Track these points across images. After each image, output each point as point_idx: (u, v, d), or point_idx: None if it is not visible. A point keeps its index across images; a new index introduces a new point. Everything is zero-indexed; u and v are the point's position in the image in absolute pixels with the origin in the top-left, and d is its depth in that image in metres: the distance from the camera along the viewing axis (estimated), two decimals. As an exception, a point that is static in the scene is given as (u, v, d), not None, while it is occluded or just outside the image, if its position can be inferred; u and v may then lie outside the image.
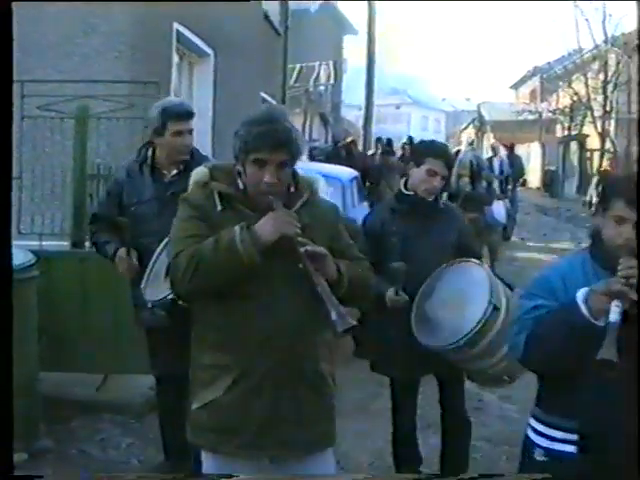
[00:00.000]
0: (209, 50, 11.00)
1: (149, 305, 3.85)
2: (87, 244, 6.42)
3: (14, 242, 5.65)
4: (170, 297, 3.37)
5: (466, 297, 3.85)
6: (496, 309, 3.63)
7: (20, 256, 4.65)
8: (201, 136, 10.92)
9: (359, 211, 10.50)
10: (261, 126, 2.59)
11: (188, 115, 4.14)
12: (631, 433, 2.43)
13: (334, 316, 2.50)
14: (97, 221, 4.34)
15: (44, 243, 5.83)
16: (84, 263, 5.50)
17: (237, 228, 2.54)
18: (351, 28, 29.11)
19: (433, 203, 4.09)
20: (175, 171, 4.09)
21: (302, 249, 2.55)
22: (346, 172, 10.60)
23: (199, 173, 2.77)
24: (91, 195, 6.44)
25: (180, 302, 2.89)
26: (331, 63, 23.05)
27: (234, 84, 11.90)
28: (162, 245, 3.72)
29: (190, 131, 4.09)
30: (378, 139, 16.04)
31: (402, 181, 4.20)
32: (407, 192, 4.09)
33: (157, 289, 3.75)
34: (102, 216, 4.30)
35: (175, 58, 9.60)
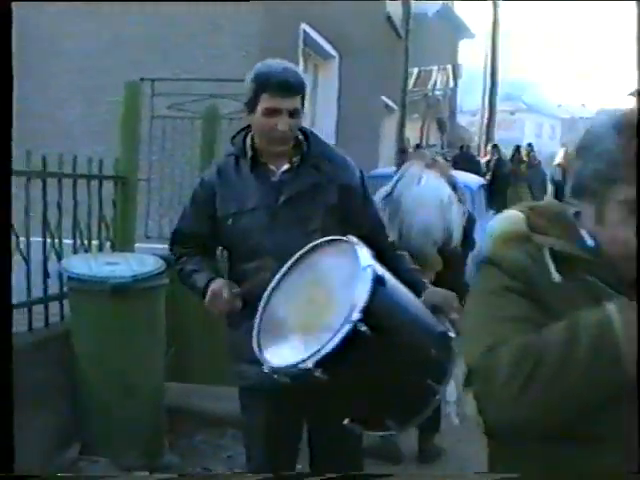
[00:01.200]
0: (334, 52, 10.73)
1: (268, 369, 2.31)
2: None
3: (140, 245, 5.54)
4: (308, 365, 2.15)
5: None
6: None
7: (150, 262, 4.42)
8: (324, 138, 10.70)
9: (486, 220, 10.11)
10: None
11: (289, 88, 2.74)
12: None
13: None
14: (180, 241, 3.08)
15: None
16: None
17: (611, 307, 1.46)
18: (468, 32, 28.54)
19: None
20: (286, 166, 2.85)
21: None
22: (474, 179, 10.23)
23: (511, 218, 1.72)
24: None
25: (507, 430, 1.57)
26: (449, 67, 22.71)
27: (357, 88, 11.63)
28: (278, 277, 2.52)
29: (292, 112, 2.75)
30: (494, 146, 15.55)
31: None
32: None
33: (280, 346, 2.38)
34: (186, 233, 3.04)
35: (301, 60, 9.36)
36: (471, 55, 30.38)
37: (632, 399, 1.45)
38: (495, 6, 19.09)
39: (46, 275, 4.51)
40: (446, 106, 23.83)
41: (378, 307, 2.16)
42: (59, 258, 4.55)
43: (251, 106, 2.77)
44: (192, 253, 3.01)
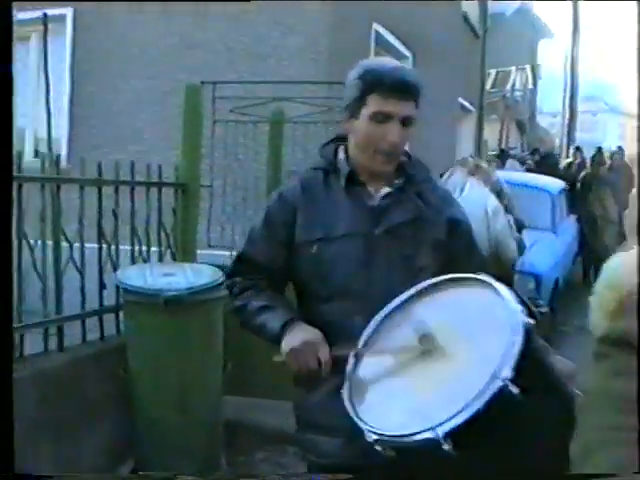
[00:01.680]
0: (408, 53, 10.44)
1: (371, 438, 1.80)
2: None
3: (202, 252, 5.37)
4: (438, 434, 1.68)
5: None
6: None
7: (208, 273, 4.23)
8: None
9: (567, 225, 9.72)
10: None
11: (406, 88, 2.20)
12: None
13: None
14: (245, 271, 2.40)
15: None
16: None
17: None
18: (547, 31, 27.83)
19: None
20: (387, 189, 2.32)
21: None
22: (555, 183, 9.86)
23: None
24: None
25: None
26: (528, 68, 22.19)
27: (433, 89, 11.25)
28: (375, 323, 2.09)
29: (405, 120, 2.22)
30: (577, 148, 15.02)
31: None
32: None
33: (380, 411, 1.88)
34: (256, 261, 2.38)
35: (373, 60, 9.09)
36: (551, 55, 29.70)
37: None
38: (575, 5, 18.48)
39: (102, 286, 4.37)
40: (525, 107, 23.27)
41: (527, 363, 1.71)
42: (115, 268, 4.41)
43: (353, 110, 2.25)
44: (260, 286, 2.36)
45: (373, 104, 2.20)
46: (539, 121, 29.89)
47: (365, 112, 2.22)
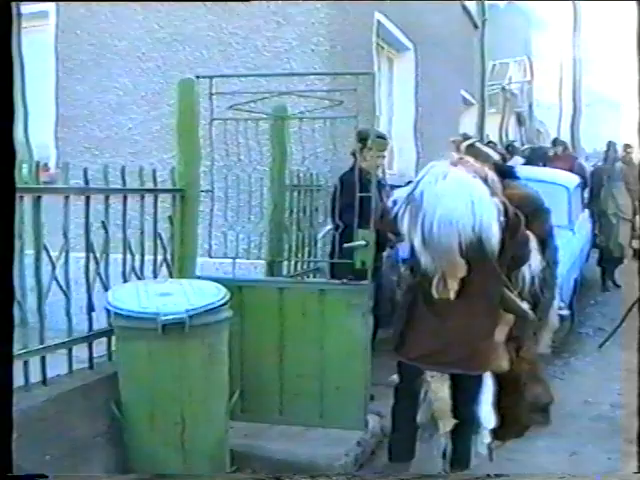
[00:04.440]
0: (409, 44, 9.95)
1: None
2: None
3: (203, 259, 4.88)
4: None
5: None
6: None
7: (210, 291, 3.74)
8: (404, 135, 10.03)
9: (582, 222, 9.26)
10: None
11: None
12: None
13: None
14: None
15: (227, 261, 4.93)
16: (283, 294, 4.54)
17: None
18: (541, 23, 27.49)
19: None
20: None
21: None
22: (571, 178, 9.38)
23: None
24: (291, 210, 5.56)
25: None
26: (525, 59, 21.89)
27: (435, 81, 10.83)
28: None
29: None
30: (555, 140, 14.41)
31: None
32: None
33: None
34: None
35: (374, 53, 8.59)
36: (545, 47, 29.43)
37: None
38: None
39: (90, 308, 3.86)
40: (524, 100, 22.90)
41: None
42: (105, 288, 3.90)
43: None
44: None
45: None
46: (536, 114, 29.58)
47: None
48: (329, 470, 4.41)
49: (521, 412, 4.61)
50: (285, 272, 5.56)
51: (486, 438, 4.27)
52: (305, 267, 5.90)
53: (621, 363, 7.31)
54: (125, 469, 3.77)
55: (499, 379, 4.26)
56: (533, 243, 4.30)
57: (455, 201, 3.74)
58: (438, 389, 4.07)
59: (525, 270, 4.37)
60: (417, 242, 3.80)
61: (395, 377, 4.33)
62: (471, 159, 4.04)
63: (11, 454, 2.19)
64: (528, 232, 4.16)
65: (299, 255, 5.69)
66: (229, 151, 4.72)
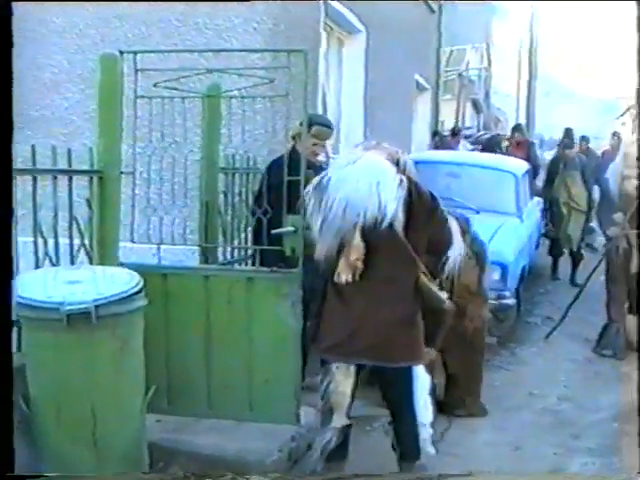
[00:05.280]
0: (361, 26, 9.75)
1: None
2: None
3: (125, 245, 4.64)
4: None
5: None
6: None
7: (122, 279, 3.51)
8: (352, 119, 9.83)
9: (531, 209, 9.16)
10: None
11: None
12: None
13: None
14: None
15: (164, 247, 4.69)
16: (209, 282, 4.32)
17: None
18: (501, 11, 27.54)
19: None
20: None
21: None
22: (519, 165, 9.27)
23: None
24: (225, 193, 5.34)
25: None
26: (483, 46, 21.84)
27: (388, 65, 10.66)
28: None
29: None
30: (516, 127, 14.21)
31: None
32: None
33: None
34: None
35: (323, 34, 8.38)
36: (506, 35, 29.58)
37: None
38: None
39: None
40: (481, 87, 22.87)
41: None
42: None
43: None
44: None
45: None
46: (494, 101, 29.64)
47: None
48: (259, 467, 4.23)
49: None
50: (222, 259, 5.34)
51: (424, 434, 4.11)
52: (243, 254, 5.68)
53: (568, 353, 7.24)
54: (37, 468, 3.55)
55: None
56: (455, 228, 4.13)
57: (359, 182, 3.66)
58: (340, 382, 3.89)
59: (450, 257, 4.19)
60: (318, 225, 3.72)
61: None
62: (388, 146, 3.93)
63: (12, 454, 2.21)
64: (449, 217, 4.03)
65: (234, 242, 5.47)
66: (153, 131, 4.47)
